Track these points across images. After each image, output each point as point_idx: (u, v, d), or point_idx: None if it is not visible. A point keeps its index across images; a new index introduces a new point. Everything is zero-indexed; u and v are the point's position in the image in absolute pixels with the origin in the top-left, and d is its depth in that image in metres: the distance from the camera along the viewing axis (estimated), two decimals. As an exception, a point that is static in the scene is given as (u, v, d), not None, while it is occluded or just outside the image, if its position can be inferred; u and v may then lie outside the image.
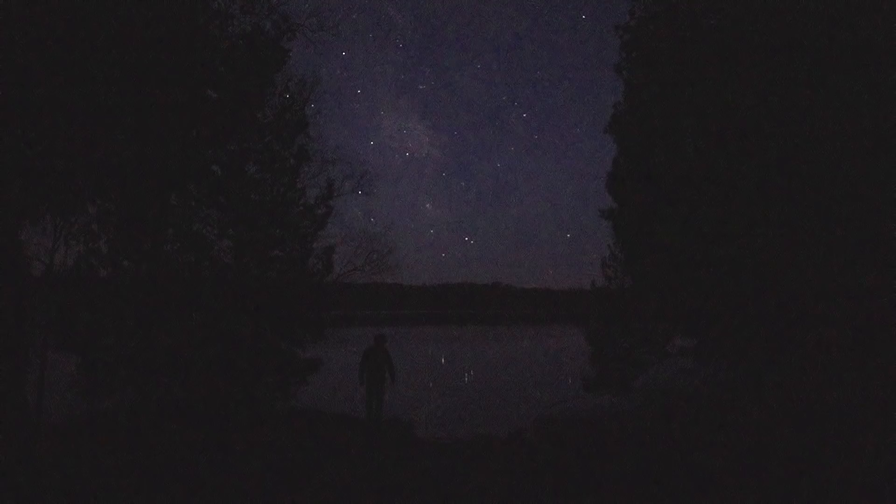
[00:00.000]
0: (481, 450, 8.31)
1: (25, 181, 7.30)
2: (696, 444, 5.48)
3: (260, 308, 10.81)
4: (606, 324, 15.08)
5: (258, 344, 11.02)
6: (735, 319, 8.57)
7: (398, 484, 6.34)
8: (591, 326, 15.39)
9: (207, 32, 9.16)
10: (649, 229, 9.83)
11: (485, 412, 14.87)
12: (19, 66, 6.68)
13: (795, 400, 5.85)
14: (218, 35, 9.45)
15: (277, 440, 8.67)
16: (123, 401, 9.95)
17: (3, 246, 7.62)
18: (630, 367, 13.69)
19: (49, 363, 9.79)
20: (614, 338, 14.88)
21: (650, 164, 9.73)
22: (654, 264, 10.07)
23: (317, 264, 11.83)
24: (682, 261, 9.03)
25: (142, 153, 8.35)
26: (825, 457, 5.32)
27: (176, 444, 8.00)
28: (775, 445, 5.44)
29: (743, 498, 5.03)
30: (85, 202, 9.23)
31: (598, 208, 12.63)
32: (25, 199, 7.66)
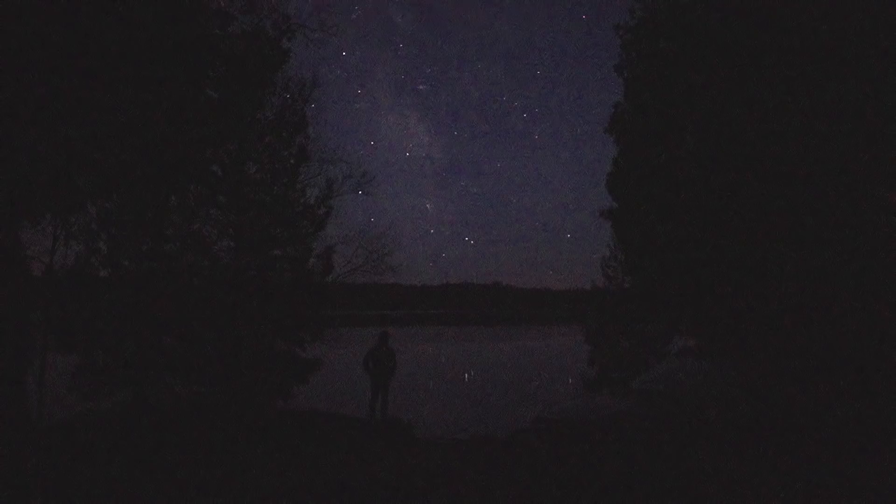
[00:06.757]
0: (481, 450, 8.30)
1: (25, 181, 7.30)
2: (696, 445, 5.48)
3: (260, 308, 10.81)
4: (606, 324, 15.08)
5: (258, 344, 11.01)
6: (735, 319, 8.57)
7: (398, 484, 6.34)
8: (591, 326, 15.38)
9: (207, 32, 9.15)
10: (649, 229, 9.83)
11: (485, 412, 14.87)
12: (19, 65, 6.67)
13: (796, 400, 5.85)
14: (218, 35, 9.45)
15: (277, 440, 8.67)
16: (123, 401, 9.95)
17: (3, 246, 7.62)
18: (630, 367, 13.70)
19: (49, 363, 9.80)
20: (614, 338, 14.88)
21: (650, 164, 9.74)
22: (654, 264, 10.07)
23: (317, 264, 11.83)
24: (682, 261, 9.03)
25: (142, 153, 8.34)
26: (825, 458, 5.32)
27: (175, 445, 8.00)
28: (775, 445, 5.44)
29: (743, 499, 5.03)
30: (85, 202, 9.23)
31: (598, 208, 12.57)
32: (25, 199, 7.66)
